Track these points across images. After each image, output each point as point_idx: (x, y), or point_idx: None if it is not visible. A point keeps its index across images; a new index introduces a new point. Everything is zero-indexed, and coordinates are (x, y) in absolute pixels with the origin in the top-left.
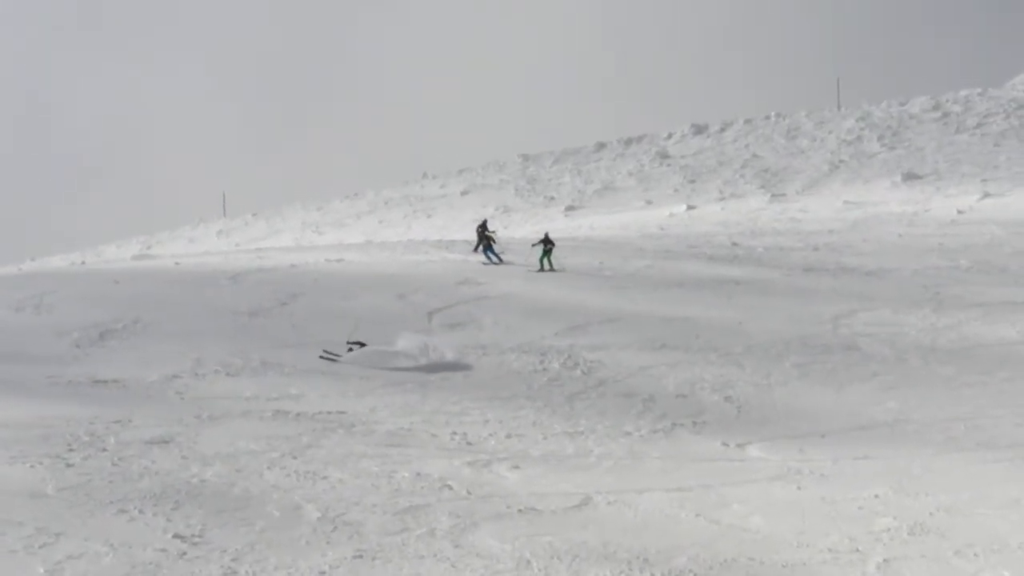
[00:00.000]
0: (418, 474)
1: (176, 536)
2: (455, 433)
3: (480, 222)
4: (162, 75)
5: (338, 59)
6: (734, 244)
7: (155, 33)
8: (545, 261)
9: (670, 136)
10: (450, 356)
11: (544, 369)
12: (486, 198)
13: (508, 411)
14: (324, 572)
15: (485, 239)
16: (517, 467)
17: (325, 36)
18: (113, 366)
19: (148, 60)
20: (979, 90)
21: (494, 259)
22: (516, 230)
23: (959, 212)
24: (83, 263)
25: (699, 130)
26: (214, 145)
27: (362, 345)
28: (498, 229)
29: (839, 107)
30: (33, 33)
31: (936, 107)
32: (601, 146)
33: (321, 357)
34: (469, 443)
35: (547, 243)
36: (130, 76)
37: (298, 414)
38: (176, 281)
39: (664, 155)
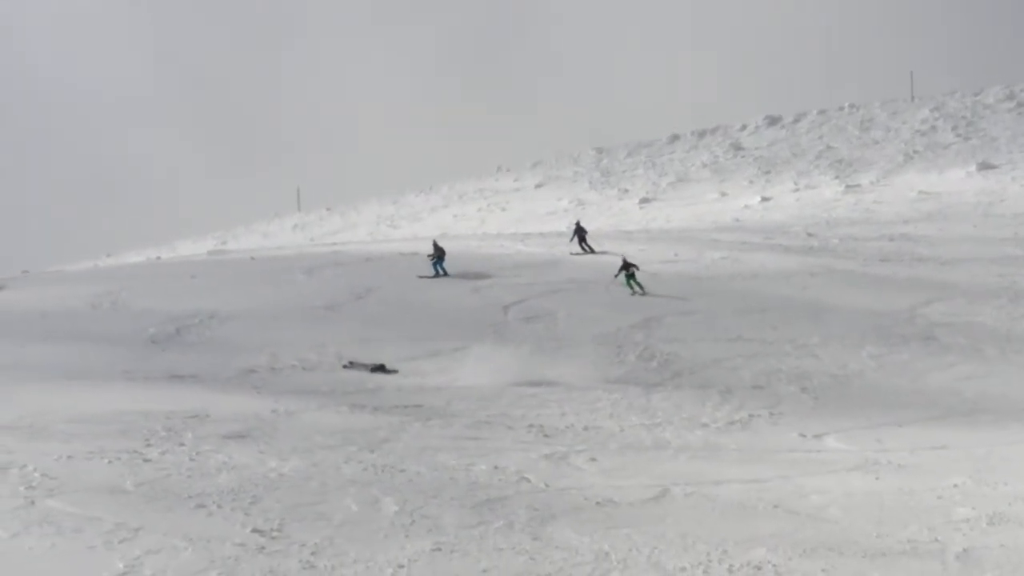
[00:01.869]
0: (495, 467)
1: (255, 531)
2: (532, 426)
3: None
4: (235, 68)
5: (412, 53)
6: (809, 235)
7: (239, 26)
8: (633, 284)
9: (744, 127)
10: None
11: (620, 361)
12: (561, 191)
13: (585, 403)
14: (402, 565)
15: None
16: (594, 459)
17: (404, 32)
18: (190, 361)
19: (224, 52)
20: None
21: (440, 271)
22: (590, 222)
23: None
24: (159, 258)
25: (773, 121)
26: (288, 140)
27: (382, 368)
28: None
29: (913, 97)
30: (102, 28)
31: (1010, 96)
32: (675, 138)
33: (345, 368)
34: (546, 435)
35: (628, 267)
36: (200, 68)
37: (375, 408)
38: (252, 276)
39: (738, 146)
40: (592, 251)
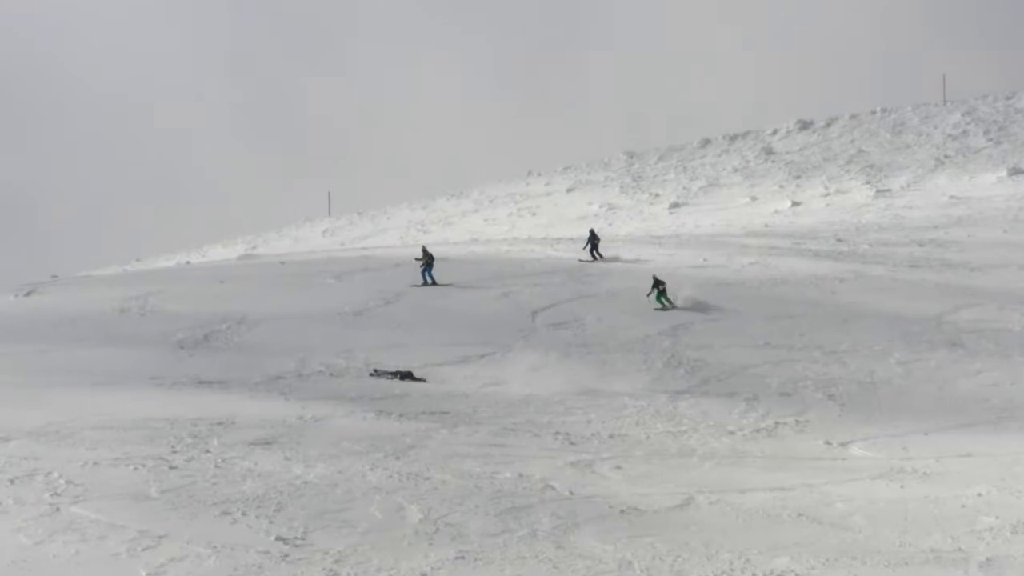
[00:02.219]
0: (520, 475)
1: (279, 538)
2: (558, 433)
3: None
4: (268, 73)
5: (440, 58)
6: (839, 240)
7: (264, 34)
8: (664, 300)
9: (775, 132)
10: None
11: (647, 368)
12: (591, 195)
13: (611, 411)
14: (426, 574)
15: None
16: (620, 467)
17: (430, 34)
18: (217, 367)
19: (261, 58)
20: None
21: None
22: (621, 227)
23: None
24: (188, 263)
25: (804, 126)
26: (319, 144)
27: (409, 375)
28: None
29: (944, 102)
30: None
31: None
32: (706, 142)
33: (371, 375)
34: (572, 443)
35: (658, 284)
36: (234, 76)
37: (401, 414)
38: (281, 281)
39: (769, 151)
40: (601, 258)
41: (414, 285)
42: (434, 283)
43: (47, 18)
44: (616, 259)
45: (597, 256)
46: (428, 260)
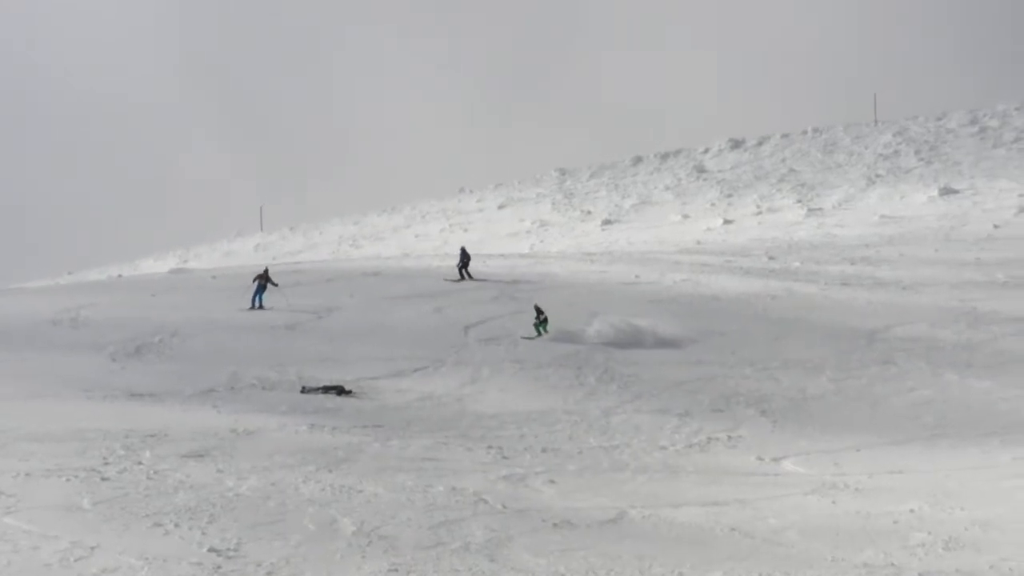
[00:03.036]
0: (453, 488)
1: (211, 550)
2: (491, 447)
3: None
4: (199, 89)
5: (374, 70)
6: (770, 258)
7: (197, 46)
8: (541, 329)
9: (707, 150)
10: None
11: (580, 383)
12: (523, 212)
13: (544, 425)
14: None
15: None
16: (553, 481)
17: (362, 50)
18: (149, 380)
19: (195, 75)
20: (1016, 105)
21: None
22: (553, 244)
23: (995, 227)
24: (120, 276)
25: (736, 144)
26: (251, 159)
27: (341, 390)
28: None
29: (876, 122)
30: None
31: (973, 122)
32: (638, 160)
33: (303, 392)
34: (505, 457)
35: (539, 312)
36: (165, 89)
37: (334, 428)
38: (213, 295)
39: (701, 169)
40: (470, 277)
41: (247, 309)
42: (261, 307)
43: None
44: (485, 280)
45: (465, 275)
46: (263, 281)
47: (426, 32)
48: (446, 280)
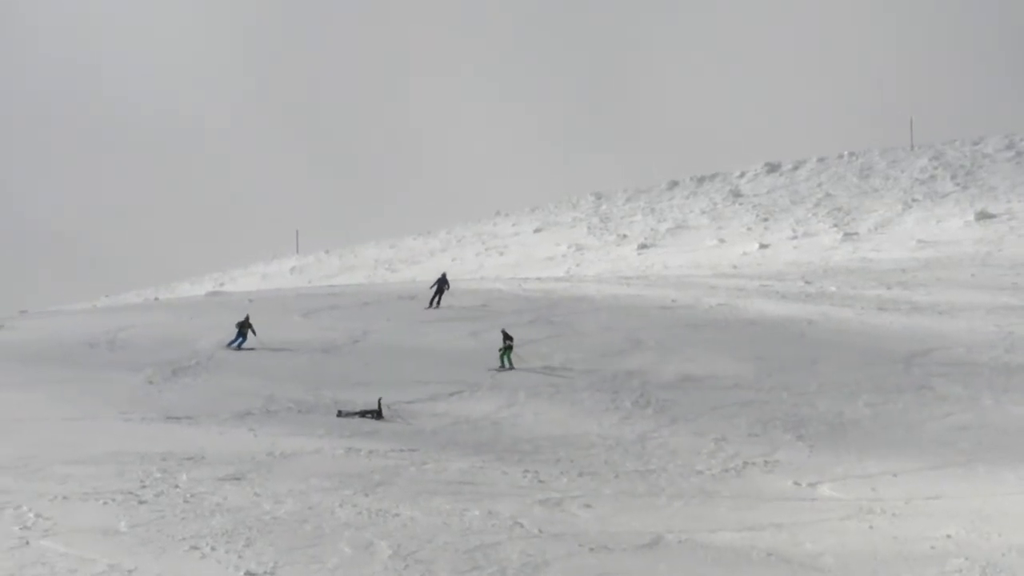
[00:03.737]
0: (489, 512)
1: (248, 573)
2: (527, 471)
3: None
4: (236, 111)
5: (410, 97)
6: (806, 283)
7: (244, 76)
8: (505, 359)
9: (743, 174)
10: None
11: (616, 408)
12: (559, 236)
13: (580, 449)
14: None
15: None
16: (589, 505)
17: (398, 75)
18: (186, 402)
19: (230, 95)
20: None
21: (237, 343)
22: (589, 268)
23: None
24: (157, 300)
25: (772, 168)
26: (287, 182)
27: (377, 414)
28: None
29: (912, 146)
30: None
31: (1010, 146)
32: (674, 184)
33: (339, 415)
34: (541, 481)
35: (507, 338)
36: (198, 114)
37: (370, 451)
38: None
39: (737, 193)
40: (437, 306)
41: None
42: (239, 348)
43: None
44: (450, 308)
45: (435, 304)
46: (244, 326)
47: (459, 57)
48: (425, 309)
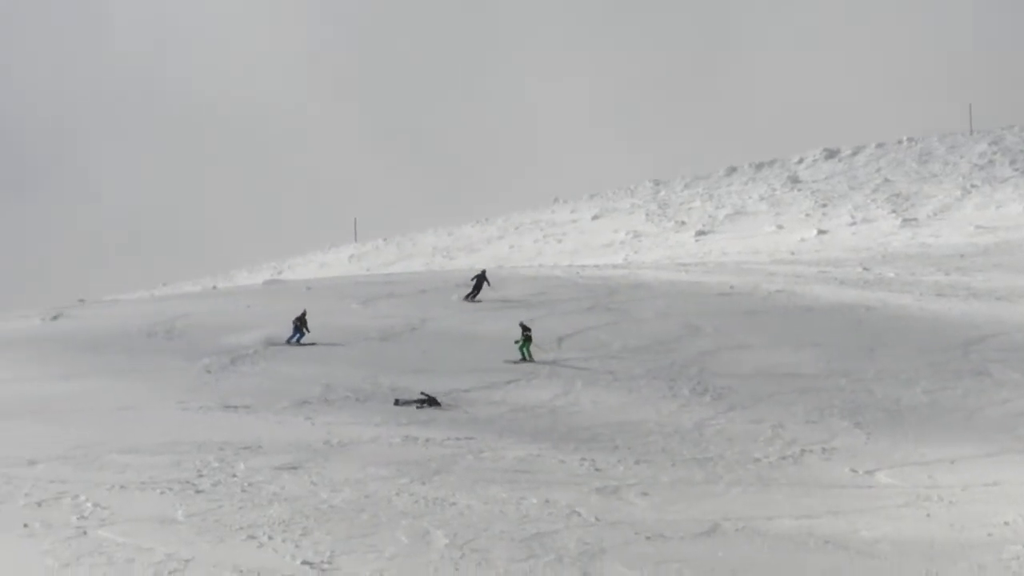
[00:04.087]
0: (546, 500)
1: (305, 562)
2: (584, 459)
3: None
4: (294, 100)
5: (466, 84)
6: (865, 269)
7: (302, 66)
8: (525, 351)
9: (801, 160)
10: None
11: (674, 395)
12: (617, 223)
13: (637, 437)
14: None
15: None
16: (646, 493)
17: (453, 63)
18: (244, 391)
19: (286, 85)
20: None
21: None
22: (646, 255)
23: None
24: (215, 288)
25: (831, 154)
26: (346, 170)
27: (433, 402)
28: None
29: (971, 131)
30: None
31: None
32: (732, 170)
33: (396, 404)
34: (598, 469)
35: (525, 330)
36: (266, 102)
37: (427, 440)
38: (308, 306)
39: (795, 179)
40: (474, 300)
41: (290, 341)
42: (298, 343)
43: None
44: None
45: (472, 296)
46: (301, 323)
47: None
48: (463, 299)
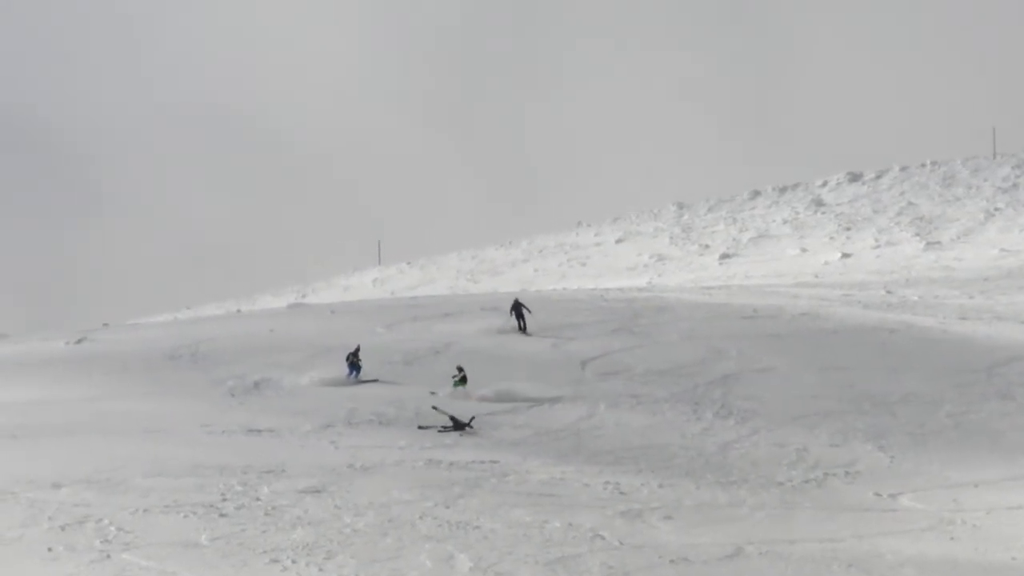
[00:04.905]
0: (570, 524)
1: None
2: (608, 482)
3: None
4: (315, 130)
5: (488, 107)
6: (888, 292)
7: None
8: (459, 389)
9: (825, 183)
10: None
11: (697, 418)
12: (641, 246)
13: (661, 460)
14: None
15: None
16: (669, 517)
17: (475, 86)
18: (267, 415)
19: (318, 103)
20: None
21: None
22: (670, 278)
23: None
24: (239, 311)
25: (854, 178)
26: (369, 193)
27: (462, 424)
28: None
29: (995, 155)
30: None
31: None
32: (756, 194)
33: (420, 428)
34: (622, 492)
35: (459, 370)
36: (284, 126)
37: (451, 463)
38: (332, 330)
39: (819, 203)
40: (523, 329)
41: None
42: (356, 376)
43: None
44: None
45: (521, 326)
46: (354, 360)
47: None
48: (500, 332)
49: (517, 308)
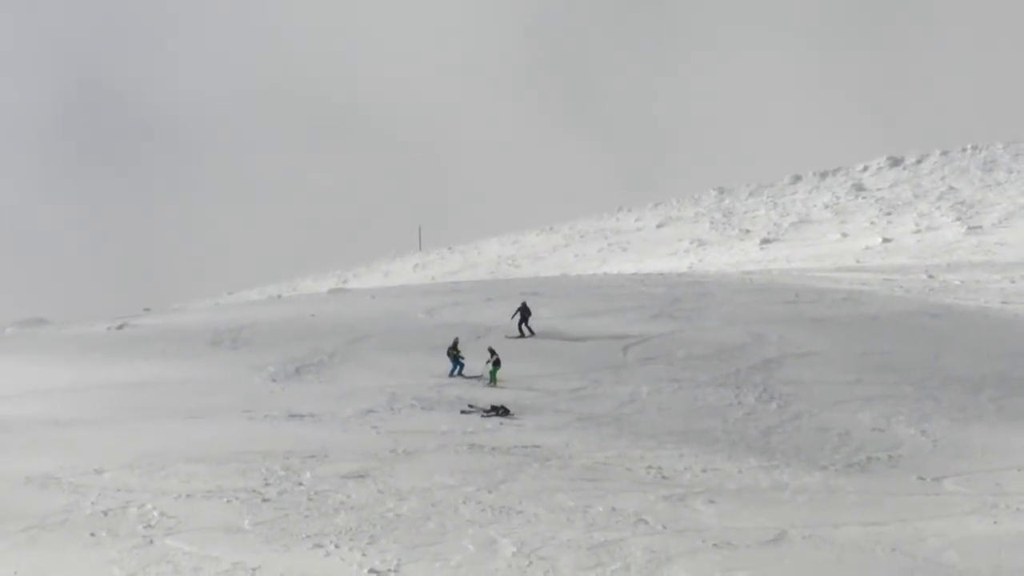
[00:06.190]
0: (613, 508)
1: (372, 571)
2: (650, 467)
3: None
4: (368, 111)
5: (530, 94)
6: (930, 277)
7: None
8: (492, 376)
9: (866, 168)
10: None
11: (739, 403)
12: (681, 231)
13: (703, 444)
14: None
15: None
16: (712, 501)
17: (517, 72)
18: (309, 400)
19: (360, 98)
20: None
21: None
22: (711, 263)
23: None
24: (280, 297)
25: (895, 162)
26: (410, 178)
27: (503, 411)
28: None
29: None
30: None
31: None
32: (796, 179)
33: (463, 412)
34: (664, 477)
35: (492, 354)
36: (335, 116)
37: (493, 448)
38: (372, 315)
39: (860, 187)
40: (532, 334)
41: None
42: (460, 373)
43: None
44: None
45: (524, 332)
46: (454, 352)
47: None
48: (507, 337)
49: (522, 311)
